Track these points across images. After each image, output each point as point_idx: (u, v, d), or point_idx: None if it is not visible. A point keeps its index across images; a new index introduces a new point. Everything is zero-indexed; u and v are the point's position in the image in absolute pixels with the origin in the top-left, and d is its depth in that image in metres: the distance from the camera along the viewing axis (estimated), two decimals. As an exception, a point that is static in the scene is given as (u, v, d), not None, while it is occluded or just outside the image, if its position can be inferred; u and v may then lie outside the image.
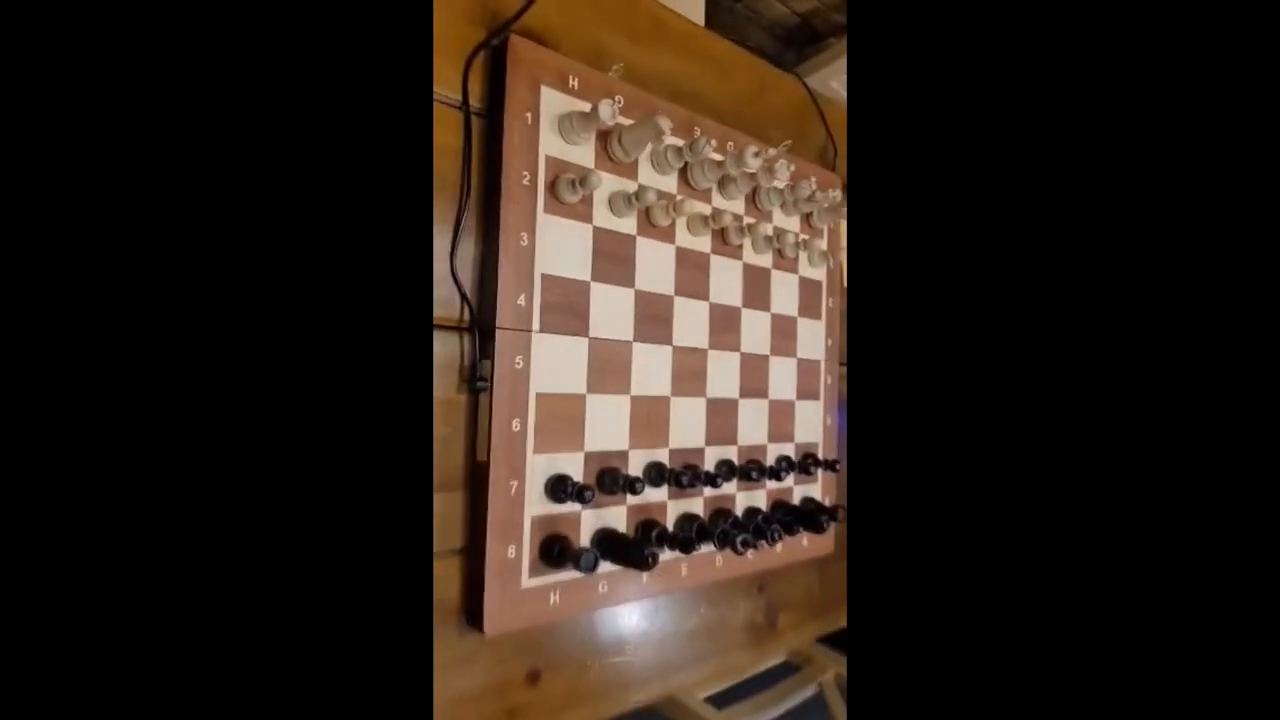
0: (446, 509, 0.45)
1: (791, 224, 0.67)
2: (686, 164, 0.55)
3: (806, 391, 0.68)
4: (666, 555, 0.53)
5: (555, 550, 0.47)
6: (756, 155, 0.54)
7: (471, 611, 0.45)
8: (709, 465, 0.58)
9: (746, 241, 0.60)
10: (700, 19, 0.98)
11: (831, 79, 1.32)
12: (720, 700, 0.96)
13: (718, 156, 0.57)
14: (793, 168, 0.61)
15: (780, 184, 0.61)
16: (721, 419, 0.59)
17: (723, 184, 0.59)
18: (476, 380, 0.45)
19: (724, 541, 0.53)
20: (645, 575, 0.53)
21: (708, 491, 0.58)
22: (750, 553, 0.59)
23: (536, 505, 0.47)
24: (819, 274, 0.69)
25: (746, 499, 0.61)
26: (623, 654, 0.55)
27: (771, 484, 0.63)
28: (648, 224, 0.54)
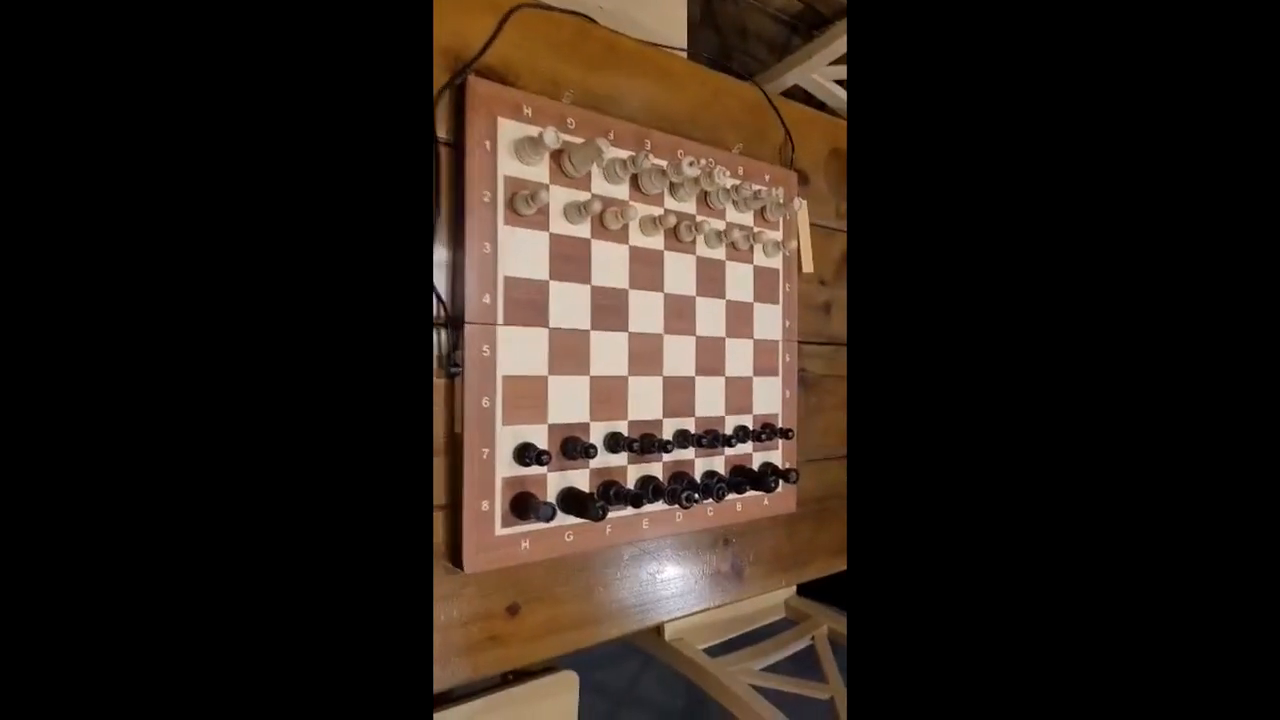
0: (432, 472, 0.55)
1: (746, 219, 0.74)
2: (635, 173, 0.63)
3: (765, 369, 0.76)
4: (627, 511, 0.62)
5: (522, 506, 0.57)
6: (692, 165, 0.61)
7: (455, 554, 0.55)
8: (667, 434, 0.67)
9: (699, 238, 0.68)
10: (682, 28, 1.05)
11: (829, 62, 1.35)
12: (718, 651, 1.05)
13: (662, 163, 0.65)
14: (740, 170, 0.68)
15: (727, 185, 0.69)
16: (679, 394, 0.68)
17: (673, 189, 0.67)
18: (451, 366, 0.55)
19: (672, 498, 0.62)
20: (608, 527, 0.62)
21: (667, 458, 0.66)
22: (707, 506, 0.67)
23: (506, 468, 0.57)
24: (775, 262, 0.76)
25: (706, 464, 0.70)
26: (594, 595, 0.65)
27: (730, 451, 0.71)
28: (601, 228, 0.62)
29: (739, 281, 0.73)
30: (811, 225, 0.84)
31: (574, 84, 0.64)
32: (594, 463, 0.61)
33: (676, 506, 0.63)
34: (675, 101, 0.72)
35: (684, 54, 0.80)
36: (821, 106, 1.41)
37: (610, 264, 0.63)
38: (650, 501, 0.63)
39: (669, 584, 0.70)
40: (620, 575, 0.67)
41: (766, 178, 0.76)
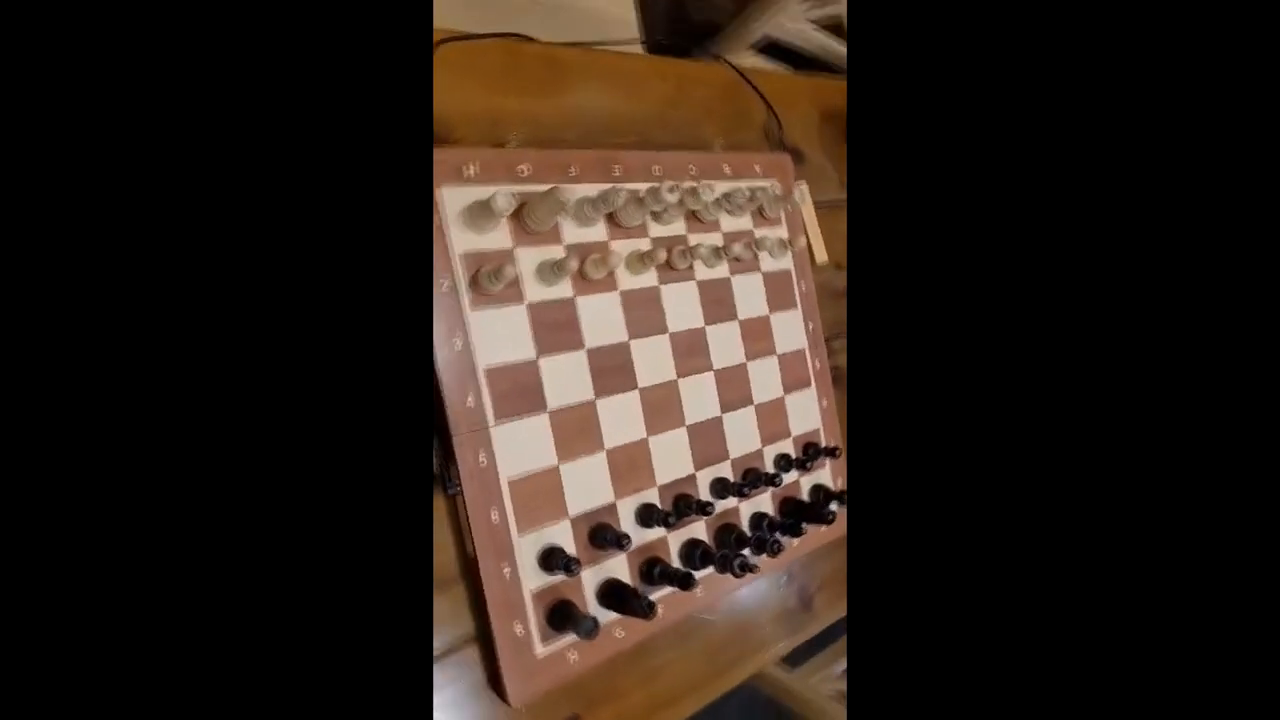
0: (453, 603, 0.49)
1: (744, 223, 0.65)
2: (611, 211, 0.54)
3: (795, 383, 0.68)
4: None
5: (561, 617, 0.50)
6: (673, 190, 0.53)
7: (497, 686, 0.49)
8: (702, 487, 0.59)
9: (695, 261, 0.60)
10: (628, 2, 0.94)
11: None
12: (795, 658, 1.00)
13: (639, 188, 0.56)
14: (727, 169, 0.59)
15: (715, 195, 0.60)
16: (708, 440, 0.60)
17: (656, 215, 0.58)
18: (448, 485, 0.48)
19: (724, 566, 0.55)
20: (660, 607, 0.55)
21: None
22: (760, 560, 0.60)
23: (533, 579, 0.50)
24: (784, 263, 0.68)
25: (752, 506, 0.63)
26: (660, 677, 0.59)
27: (775, 487, 0.64)
28: (583, 281, 0.54)
29: (749, 295, 0.65)
30: (815, 205, 0.75)
31: (518, 120, 0.55)
32: (637, 534, 0.54)
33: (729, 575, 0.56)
34: (639, 106, 0.63)
35: (638, 45, 0.70)
36: (799, 59, 1.28)
37: (602, 319, 0.55)
38: (699, 568, 0.56)
39: (736, 642, 0.64)
40: (684, 649, 0.60)
41: (757, 169, 0.66)
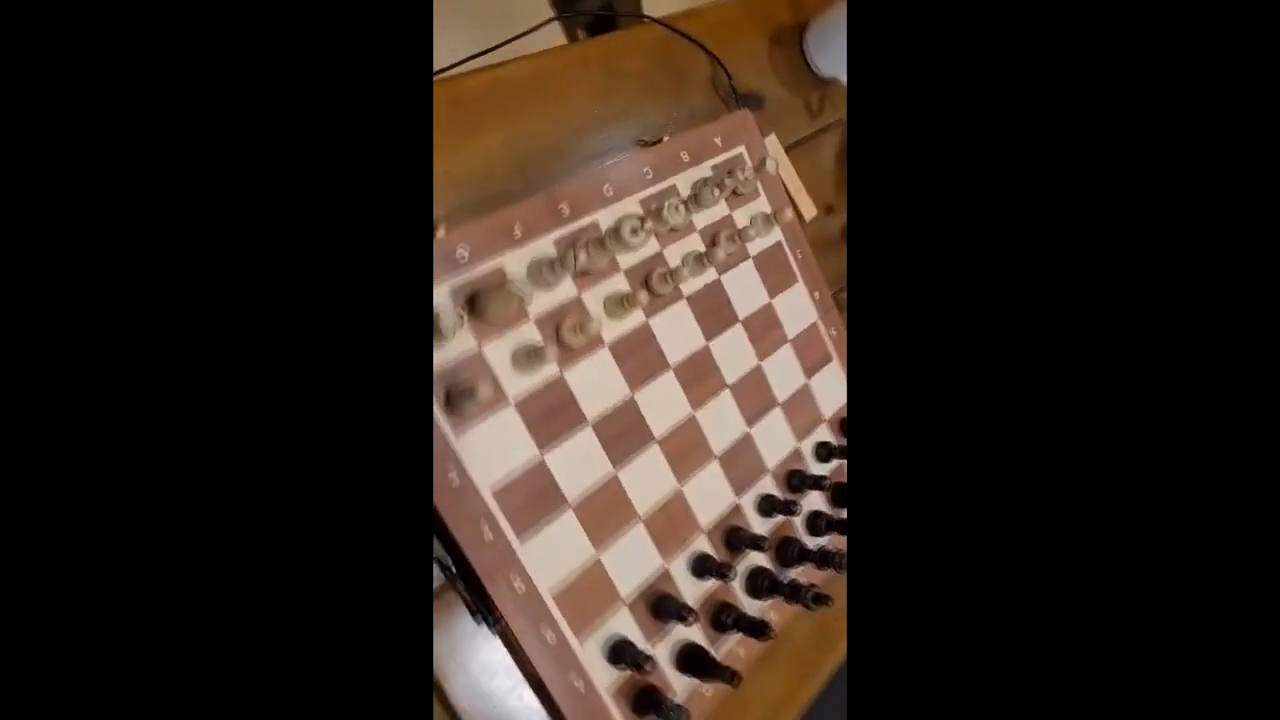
0: (533, 725, 0.46)
1: (719, 211, 0.57)
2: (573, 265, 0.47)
3: (815, 362, 0.62)
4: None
5: (646, 705, 0.48)
6: (635, 231, 0.45)
7: (602, 788, 0.48)
8: (749, 512, 0.55)
9: (679, 282, 0.52)
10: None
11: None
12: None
13: (601, 221, 0.48)
14: (685, 156, 0.51)
15: (680, 202, 0.51)
16: (741, 461, 0.56)
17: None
18: (490, 622, 0.44)
19: (794, 597, 0.52)
20: (740, 650, 0.53)
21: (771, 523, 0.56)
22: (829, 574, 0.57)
23: (607, 677, 0.47)
24: (773, 236, 0.60)
25: (806, 503, 0.59)
26: (750, 706, 0.58)
27: (823, 477, 0.60)
28: (566, 351, 0.48)
29: (745, 289, 0.58)
30: (788, 151, 0.66)
31: (438, 190, 0.46)
32: (697, 588, 0.51)
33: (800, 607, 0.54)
34: (567, 113, 0.53)
35: (557, 27, 0.59)
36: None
37: (598, 383, 0.49)
38: (768, 598, 0.53)
39: (817, 642, 0.62)
40: (770, 668, 0.59)
41: (717, 141, 0.57)
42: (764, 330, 0.58)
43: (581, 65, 0.55)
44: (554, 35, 0.84)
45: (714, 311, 0.55)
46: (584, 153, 0.53)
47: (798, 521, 0.57)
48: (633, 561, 0.49)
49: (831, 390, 0.63)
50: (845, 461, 0.61)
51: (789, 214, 0.57)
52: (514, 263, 0.45)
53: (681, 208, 0.51)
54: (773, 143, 0.62)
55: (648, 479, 0.51)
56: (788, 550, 0.56)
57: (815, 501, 0.59)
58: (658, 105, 0.58)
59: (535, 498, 0.45)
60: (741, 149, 0.59)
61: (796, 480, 0.58)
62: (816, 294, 0.63)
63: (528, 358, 0.45)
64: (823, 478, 0.57)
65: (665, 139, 0.55)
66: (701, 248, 0.55)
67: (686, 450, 0.52)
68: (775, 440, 0.58)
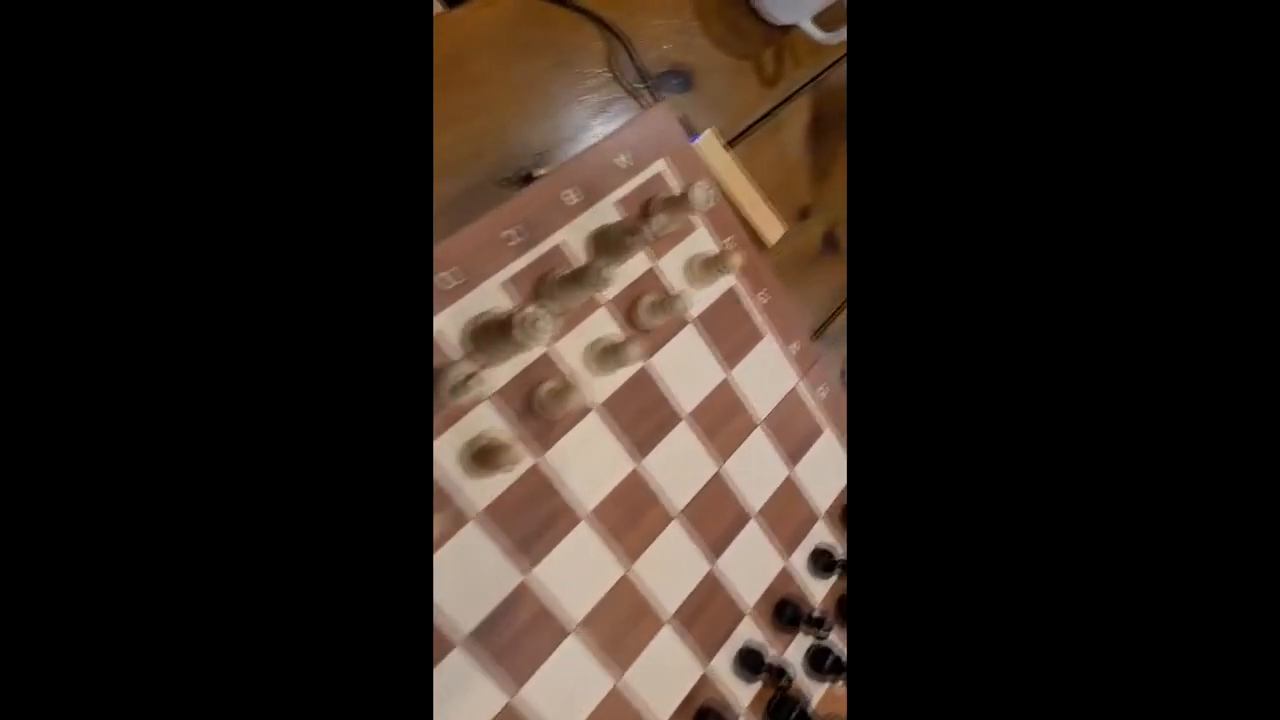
0: None
1: (636, 266, 0.39)
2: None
3: (801, 441, 0.45)
4: None
5: None
6: (541, 321, 0.28)
7: None
8: (726, 679, 0.40)
9: (568, 402, 0.36)
10: None
11: None
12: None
13: (450, 336, 0.31)
14: (572, 199, 0.33)
15: (567, 278, 0.34)
16: (708, 613, 0.40)
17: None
18: None
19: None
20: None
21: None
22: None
23: None
24: (724, 283, 0.42)
25: (805, 644, 0.44)
26: None
27: (825, 583, 0.45)
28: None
29: (687, 369, 0.40)
30: (736, 144, 0.47)
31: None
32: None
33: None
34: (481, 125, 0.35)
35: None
36: None
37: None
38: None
39: None
40: None
41: (622, 160, 0.39)
42: (722, 420, 0.42)
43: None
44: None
45: (643, 417, 0.39)
46: (463, 207, 0.36)
47: (794, 667, 0.42)
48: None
49: (827, 471, 0.46)
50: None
51: (737, 259, 0.39)
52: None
53: (570, 293, 0.33)
54: (709, 145, 0.44)
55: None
56: (783, 713, 0.41)
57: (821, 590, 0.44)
58: (523, 121, 0.39)
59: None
60: (661, 165, 0.41)
61: (789, 613, 0.42)
62: (794, 346, 0.46)
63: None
64: (819, 622, 0.42)
65: (538, 175, 0.37)
66: (613, 329, 0.38)
67: (621, 631, 0.37)
68: (753, 566, 0.42)
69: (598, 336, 0.37)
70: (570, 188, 0.37)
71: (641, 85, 0.43)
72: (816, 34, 0.48)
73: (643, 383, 0.39)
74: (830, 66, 0.53)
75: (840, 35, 0.47)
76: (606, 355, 0.36)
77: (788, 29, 0.50)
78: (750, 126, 0.49)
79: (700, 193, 0.36)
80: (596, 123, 0.41)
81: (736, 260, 0.39)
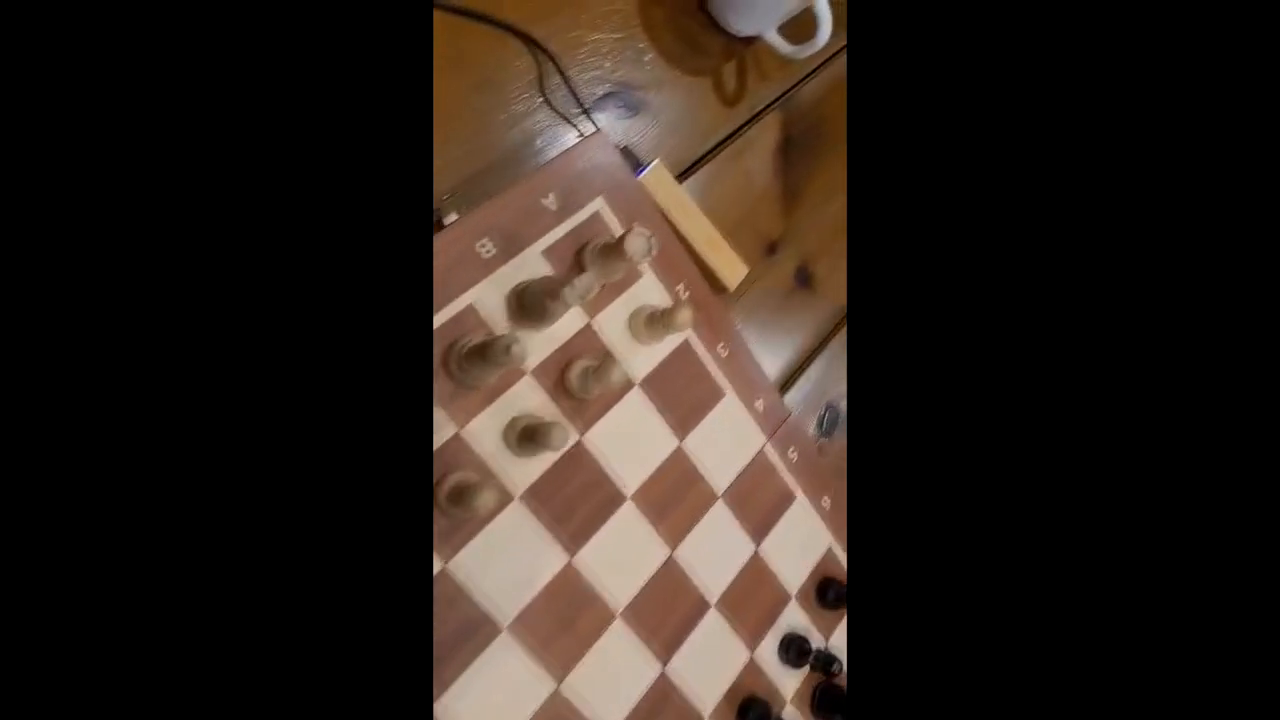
0: None
1: (570, 324, 0.34)
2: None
3: (769, 512, 0.40)
4: None
5: None
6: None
7: None
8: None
9: (480, 501, 0.30)
10: None
11: None
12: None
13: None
14: (490, 248, 0.28)
15: (474, 348, 0.28)
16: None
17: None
18: None
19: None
20: None
21: None
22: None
23: None
24: (675, 339, 0.37)
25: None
26: None
27: (796, 676, 0.39)
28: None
29: (631, 441, 0.35)
30: (688, 176, 0.42)
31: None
32: None
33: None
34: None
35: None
36: None
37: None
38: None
39: None
40: None
41: (549, 201, 0.34)
42: (674, 496, 0.36)
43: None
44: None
45: (578, 502, 0.33)
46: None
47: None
48: None
49: (798, 542, 0.41)
50: (828, 664, 0.40)
51: (686, 316, 0.33)
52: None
53: (479, 369, 0.28)
54: (657, 178, 0.38)
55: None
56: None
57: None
58: (436, 156, 0.34)
59: None
60: (598, 204, 0.35)
61: (755, 714, 0.37)
62: (759, 402, 0.40)
63: None
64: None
65: (447, 221, 0.31)
66: (536, 403, 0.32)
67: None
68: (713, 663, 0.37)
69: (515, 415, 0.31)
70: (486, 235, 0.32)
71: (578, 110, 0.37)
72: (783, 47, 0.42)
73: (576, 461, 0.33)
74: (801, 81, 0.47)
75: (811, 48, 0.41)
76: (527, 439, 0.30)
77: (750, 40, 0.44)
78: (709, 152, 0.43)
79: (636, 243, 0.31)
80: (522, 156, 0.36)
81: (686, 318, 0.33)
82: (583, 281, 0.28)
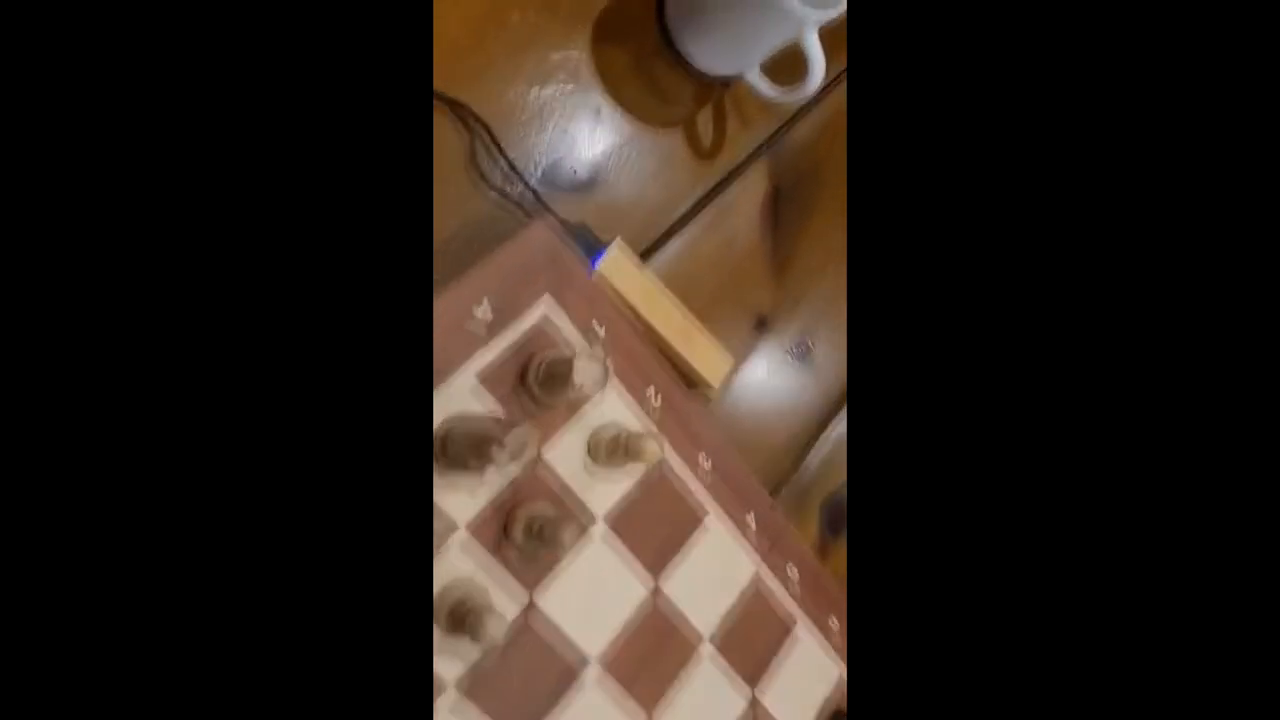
0: None
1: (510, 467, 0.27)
2: None
3: (765, 650, 0.33)
4: None
5: None
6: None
7: None
8: None
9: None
10: None
11: None
12: None
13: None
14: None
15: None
16: None
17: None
18: None
19: None
20: None
21: None
22: None
23: None
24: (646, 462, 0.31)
25: None
26: None
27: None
28: None
29: (594, 595, 0.29)
30: (652, 255, 0.35)
31: None
32: None
33: None
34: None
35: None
36: None
37: None
38: None
39: None
40: None
41: (482, 311, 0.27)
42: (649, 652, 0.30)
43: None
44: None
45: (531, 679, 0.27)
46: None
47: None
48: None
49: (802, 681, 0.35)
50: None
51: (652, 450, 0.27)
52: None
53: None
54: (615, 265, 0.31)
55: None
56: None
57: None
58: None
59: None
60: (545, 307, 0.29)
61: None
62: (750, 517, 0.34)
63: None
64: None
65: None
66: (469, 567, 0.26)
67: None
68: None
69: (448, 582, 0.25)
70: (401, 365, 0.25)
71: (522, 186, 0.31)
72: (767, 90, 0.36)
73: (526, 635, 0.27)
74: (789, 122, 0.41)
75: (800, 93, 0.35)
76: (456, 625, 0.24)
77: (728, 82, 0.38)
78: (684, 215, 0.37)
79: (588, 371, 0.24)
80: (453, 253, 0.29)
81: (653, 451, 0.27)
82: (514, 439, 0.22)
